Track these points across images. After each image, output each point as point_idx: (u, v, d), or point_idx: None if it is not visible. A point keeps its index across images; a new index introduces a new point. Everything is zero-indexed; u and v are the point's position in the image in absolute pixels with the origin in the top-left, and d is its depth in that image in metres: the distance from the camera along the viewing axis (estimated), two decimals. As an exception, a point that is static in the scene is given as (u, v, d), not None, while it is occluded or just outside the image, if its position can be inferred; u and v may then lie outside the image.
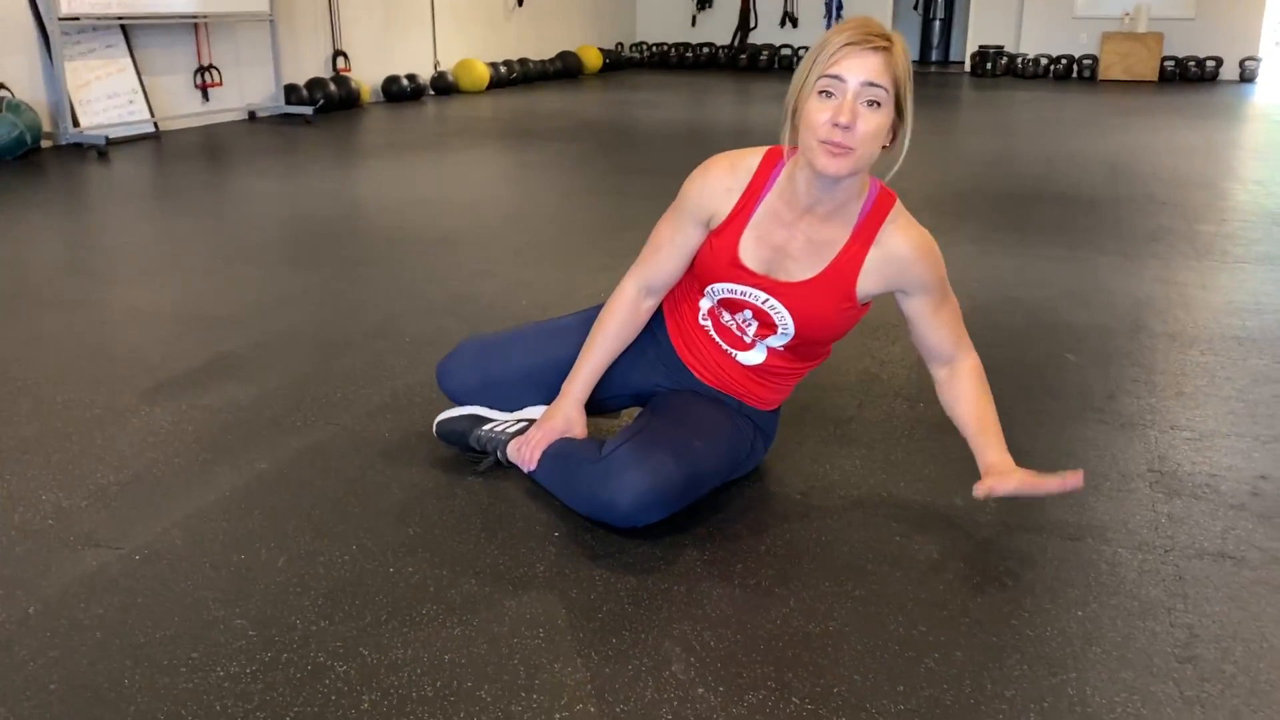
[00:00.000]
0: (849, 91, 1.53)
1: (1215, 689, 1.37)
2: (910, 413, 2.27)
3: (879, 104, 1.54)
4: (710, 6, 13.33)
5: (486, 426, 1.97)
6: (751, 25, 13.13)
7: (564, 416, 1.89)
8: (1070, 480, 1.64)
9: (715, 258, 1.76)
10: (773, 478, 1.96)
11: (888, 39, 1.55)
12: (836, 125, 1.53)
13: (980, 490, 1.69)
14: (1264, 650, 1.45)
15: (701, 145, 6.45)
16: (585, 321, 1.97)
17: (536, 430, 1.89)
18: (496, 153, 6.13)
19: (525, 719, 1.31)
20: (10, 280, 3.28)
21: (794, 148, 1.64)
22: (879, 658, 1.43)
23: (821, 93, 1.55)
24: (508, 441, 1.94)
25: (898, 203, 1.71)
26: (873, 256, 1.69)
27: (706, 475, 1.76)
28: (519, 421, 1.97)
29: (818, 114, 1.55)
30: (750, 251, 1.72)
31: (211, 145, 6.27)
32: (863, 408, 2.30)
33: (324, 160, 5.76)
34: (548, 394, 1.96)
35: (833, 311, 1.74)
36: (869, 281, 1.70)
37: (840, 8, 12.68)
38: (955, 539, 1.74)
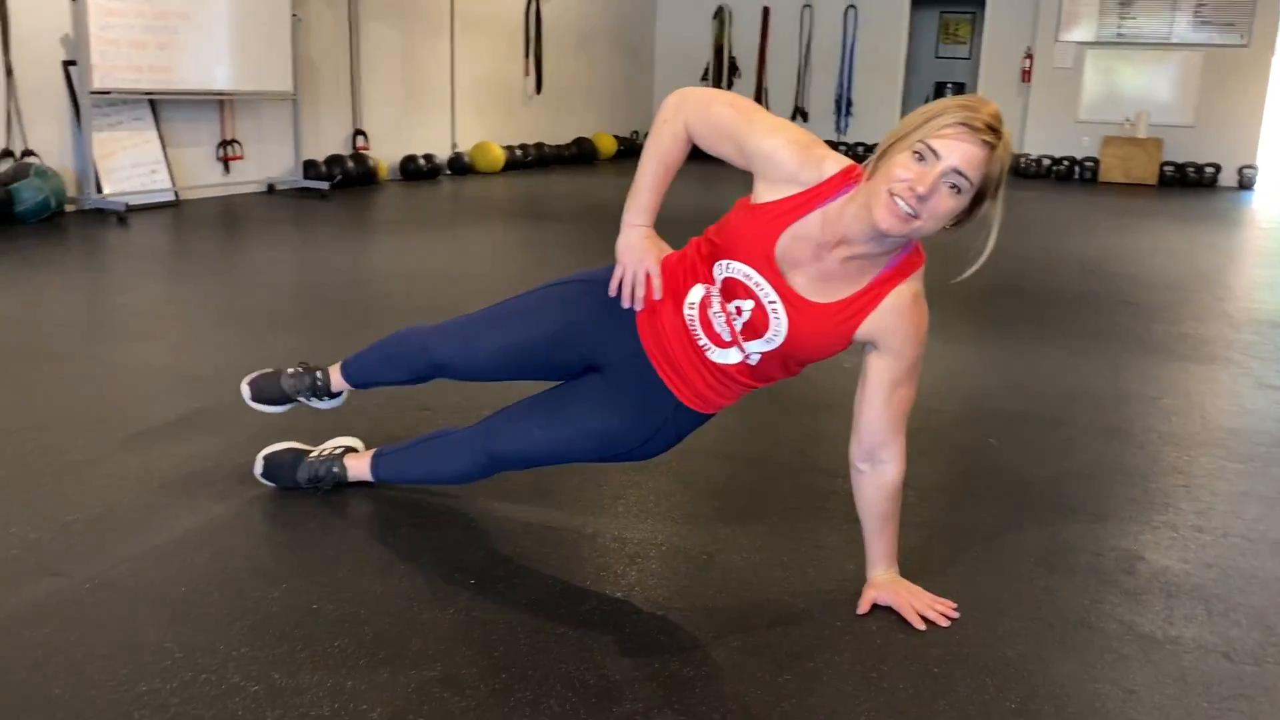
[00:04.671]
0: (939, 168, 1.57)
1: (1039, 740, 1.50)
2: (828, 486, 2.42)
3: (960, 191, 1.59)
4: (725, 98, 13.76)
5: (312, 455, 2.26)
6: (764, 118, 13.54)
7: (635, 248, 1.95)
8: (940, 618, 1.81)
9: (752, 232, 1.76)
10: (683, 537, 2.12)
11: (998, 135, 1.58)
12: (913, 191, 1.58)
13: (864, 605, 1.85)
14: (1095, 709, 1.58)
15: (700, 229, 6.68)
16: (544, 300, 2.07)
17: (615, 278, 1.97)
18: (501, 231, 6.39)
19: (407, 739, 1.45)
20: (15, 335, 3.51)
21: (868, 179, 1.65)
22: (741, 700, 1.57)
23: (915, 153, 1.58)
24: (342, 456, 2.24)
25: (921, 268, 1.76)
26: (882, 305, 1.73)
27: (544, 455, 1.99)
28: (337, 447, 2.28)
29: (901, 169, 1.59)
30: (784, 249, 1.73)
31: (228, 215, 6.57)
32: (784, 480, 2.45)
33: (333, 233, 6.03)
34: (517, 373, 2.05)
35: (828, 341, 1.77)
36: (866, 328, 1.74)
37: (850, 105, 13.08)
38: (837, 601, 1.88)
